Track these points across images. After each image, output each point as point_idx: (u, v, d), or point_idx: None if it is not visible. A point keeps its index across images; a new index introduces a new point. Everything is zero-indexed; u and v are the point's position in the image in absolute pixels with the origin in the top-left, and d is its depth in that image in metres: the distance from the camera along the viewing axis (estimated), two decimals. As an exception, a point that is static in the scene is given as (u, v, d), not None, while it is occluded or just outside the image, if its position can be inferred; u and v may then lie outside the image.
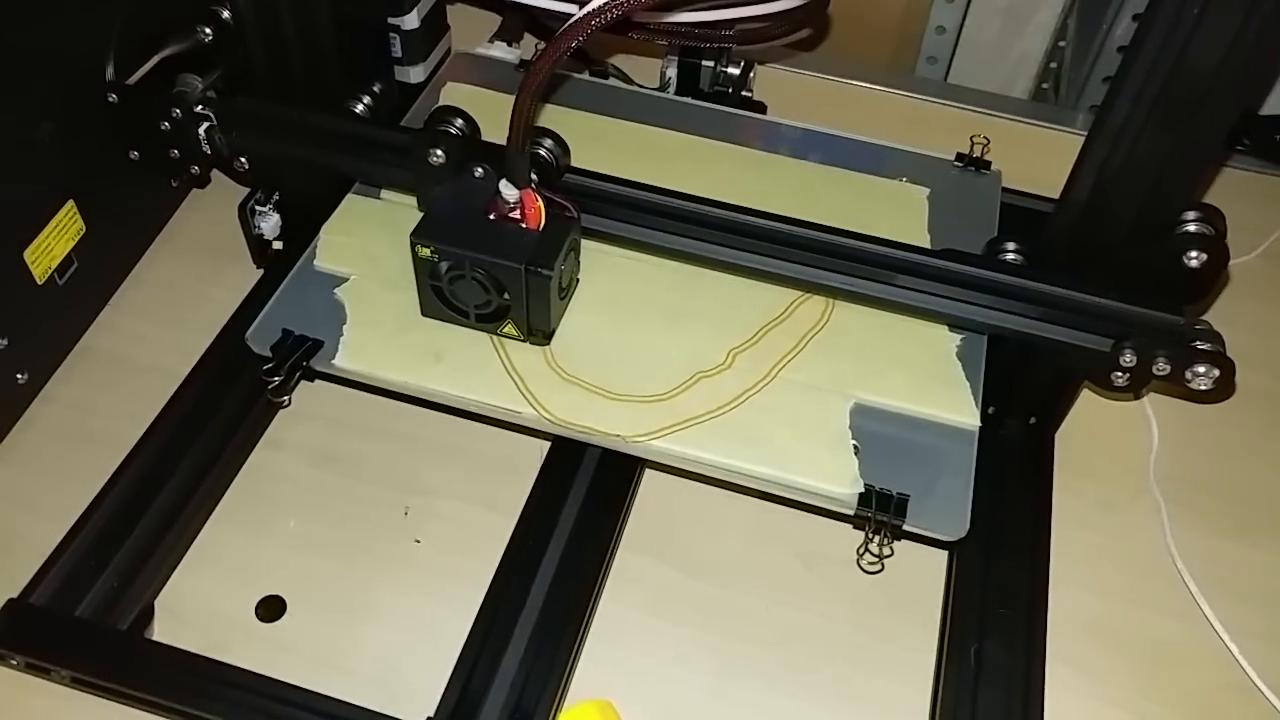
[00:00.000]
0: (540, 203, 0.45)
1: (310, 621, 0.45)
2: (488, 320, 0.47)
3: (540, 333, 0.47)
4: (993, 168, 0.57)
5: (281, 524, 0.48)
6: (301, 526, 0.48)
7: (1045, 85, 0.88)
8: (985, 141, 0.57)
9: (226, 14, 0.49)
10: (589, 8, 0.37)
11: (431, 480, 0.50)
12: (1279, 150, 0.65)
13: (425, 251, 0.44)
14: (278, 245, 0.55)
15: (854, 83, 0.71)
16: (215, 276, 0.57)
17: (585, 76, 0.64)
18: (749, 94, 0.62)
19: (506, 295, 0.45)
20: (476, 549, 0.46)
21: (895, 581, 0.47)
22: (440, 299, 0.46)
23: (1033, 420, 0.50)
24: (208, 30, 0.49)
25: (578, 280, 0.49)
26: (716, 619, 0.46)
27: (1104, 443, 0.53)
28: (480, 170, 0.45)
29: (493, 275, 0.44)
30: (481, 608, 0.44)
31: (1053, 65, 0.87)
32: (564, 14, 0.39)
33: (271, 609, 0.45)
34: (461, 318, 0.47)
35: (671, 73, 0.62)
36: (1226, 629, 0.46)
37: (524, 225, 0.45)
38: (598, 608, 0.46)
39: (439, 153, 0.45)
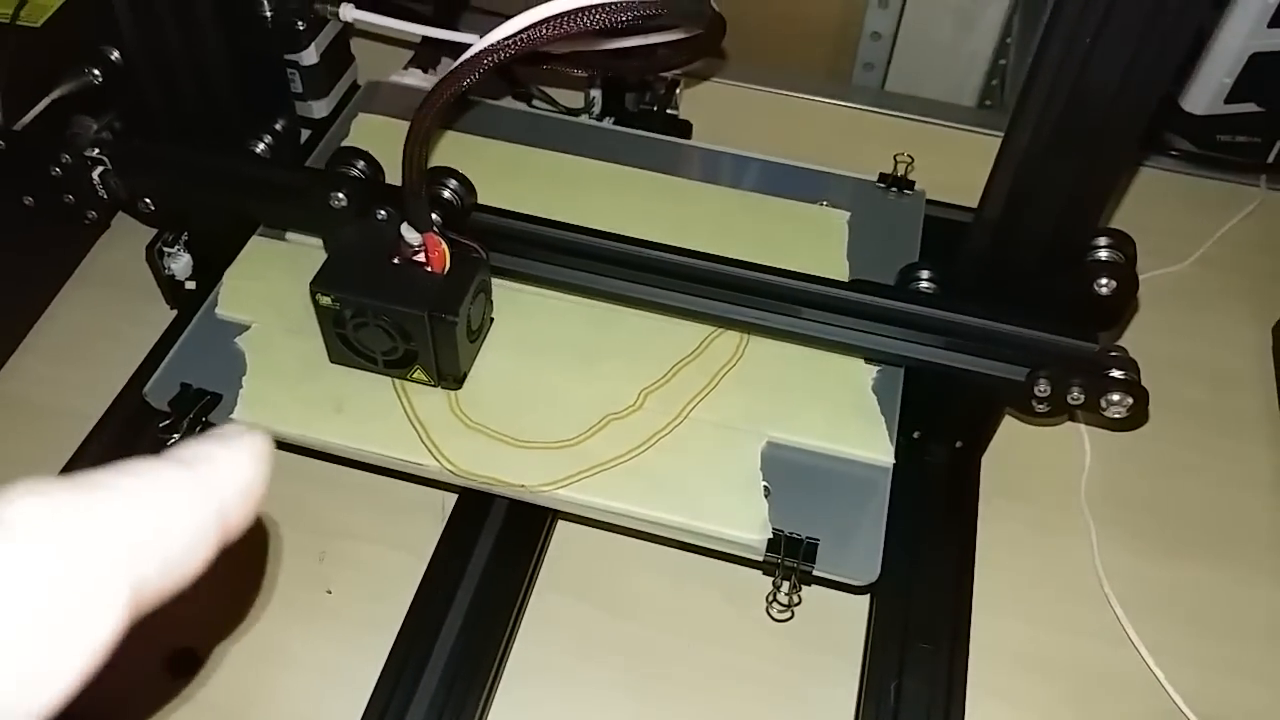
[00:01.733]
0: (444, 246, 0.44)
1: (221, 676, 0.44)
2: (396, 366, 0.46)
3: (450, 377, 0.46)
4: (917, 186, 0.56)
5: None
6: (216, 574, 0.47)
7: (995, 82, 0.88)
8: (909, 160, 0.56)
9: (116, 55, 0.47)
10: (473, 51, 0.36)
11: (350, 523, 0.49)
12: (1216, 151, 0.64)
13: (326, 300, 0.43)
14: (191, 285, 0.54)
15: (786, 93, 0.69)
16: (135, 315, 0.56)
17: (502, 104, 0.62)
18: (674, 112, 0.61)
19: (413, 342, 0.44)
20: (394, 594, 0.46)
21: (825, 615, 0.47)
22: (347, 346, 0.45)
23: (959, 444, 0.50)
24: (96, 72, 0.47)
25: (492, 319, 0.48)
26: (639, 660, 0.45)
27: (1035, 462, 0.53)
28: (383, 213, 0.44)
29: (396, 322, 0.43)
30: (390, 655, 0.43)
31: (1002, 62, 0.86)
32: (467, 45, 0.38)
33: (183, 664, 0.44)
34: (370, 364, 0.46)
35: (596, 93, 0.61)
36: (1153, 654, 0.46)
37: (429, 269, 0.44)
38: (512, 650, 0.45)
39: (340, 196, 0.44)
